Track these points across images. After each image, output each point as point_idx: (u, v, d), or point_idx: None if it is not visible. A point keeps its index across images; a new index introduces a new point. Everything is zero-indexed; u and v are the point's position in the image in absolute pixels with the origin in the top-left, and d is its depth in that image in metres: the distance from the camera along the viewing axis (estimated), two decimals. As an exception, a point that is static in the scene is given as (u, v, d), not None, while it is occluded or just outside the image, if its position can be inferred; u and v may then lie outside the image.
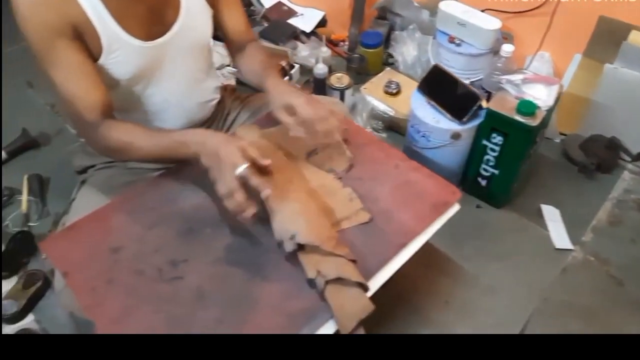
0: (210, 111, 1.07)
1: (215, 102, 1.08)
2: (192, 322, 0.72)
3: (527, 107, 1.11)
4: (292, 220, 0.78)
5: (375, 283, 0.78)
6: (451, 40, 1.47)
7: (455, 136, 1.20)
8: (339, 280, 0.73)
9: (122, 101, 0.93)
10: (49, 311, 1.14)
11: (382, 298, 0.76)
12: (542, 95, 1.15)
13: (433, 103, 1.23)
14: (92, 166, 1.02)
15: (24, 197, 1.41)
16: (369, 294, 0.75)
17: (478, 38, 1.43)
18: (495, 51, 1.45)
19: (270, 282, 0.77)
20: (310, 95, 0.95)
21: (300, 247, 0.77)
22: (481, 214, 1.35)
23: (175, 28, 0.91)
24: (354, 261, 0.77)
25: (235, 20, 1.03)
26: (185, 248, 0.81)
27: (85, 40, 0.82)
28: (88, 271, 0.78)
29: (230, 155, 0.76)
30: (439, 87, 1.23)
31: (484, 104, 1.20)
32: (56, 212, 1.39)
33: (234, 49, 1.07)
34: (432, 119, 1.21)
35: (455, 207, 0.91)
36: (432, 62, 1.58)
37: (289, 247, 0.76)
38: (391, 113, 1.56)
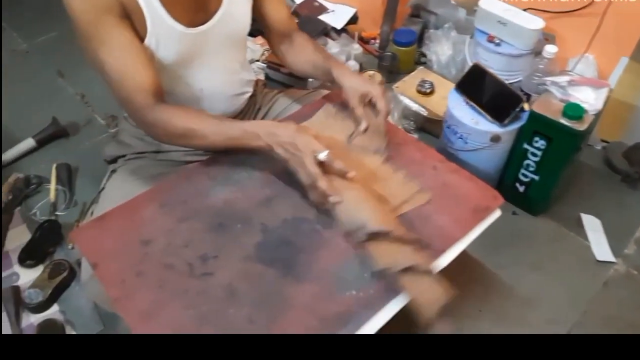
0: (242, 105, 1.06)
1: (247, 95, 1.07)
2: (222, 321, 0.70)
3: (574, 111, 1.07)
4: (357, 209, 0.77)
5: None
6: (490, 39, 1.43)
7: (495, 139, 1.16)
8: (411, 268, 0.72)
9: None
10: (74, 302, 1.14)
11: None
12: (589, 99, 1.10)
13: (472, 103, 1.19)
14: (123, 156, 1.01)
15: (52, 185, 1.42)
16: (408, 298, 0.73)
17: (519, 38, 1.38)
18: (536, 52, 1.40)
19: (303, 283, 0.74)
20: (382, 85, 0.95)
21: (370, 236, 0.75)
22: (517, 221, 1.30)
23: (217, 16, 0.90)
24: (422, 246, 0.76)
25: (278, 10, 1.02)
26: (215, 243, 0.79)
27: (132, 21, 0.81)
28: (117, 263, 0.76)
29: (309, 144, 0.77)
30: (479, 87, 1.19)
31: (525, 106, 1.15)
32: (84, 201, 1.40)
33: (277, 39, 1.06)
34: (471, 120, 1.17)
35: (497, 213, 0.88)
36: (469, 62, 1.54)
37: (359, 237, 0.75)
38: (424, 113, 1.52)
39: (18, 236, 1.29)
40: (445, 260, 0.79)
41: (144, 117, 0.83)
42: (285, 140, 0.79)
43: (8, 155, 1.53)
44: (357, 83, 0.92)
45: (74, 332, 1.08)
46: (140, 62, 0.82)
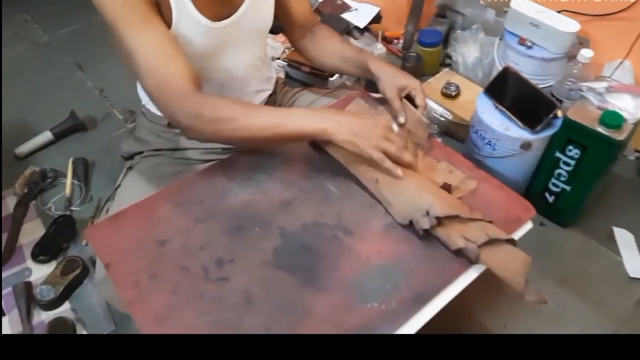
0: (262, 102, 1.04)
1: (268, 93, 1.05)
2: (237, 329, 0.67)
3: (612, 119, 1.01)
4: (419, 196, 0.76)
5: (439, 302, 0.71)
6: (522, 42, 1.38)
7: (525, 146, 1.11)
8: (488, 242, 0.73)
9: None
10: (86, 300, 1.12)
11: (437, 314, 0.70)
12: (628, 107, 1.05)
13: (502, 108, 1.14)
14: (140, 153, 1.00)
15: (68, 180, 1.42)
16: (432, 313, 0.69)
17: (553, 41, 1.33)
18: (570, 56, 1.35)
19: (322, 292, 0.71)
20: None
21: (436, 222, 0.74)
22: (545, 233, 1.25)
23: (241, 10, 0.88)
24: (490, 222, 0.77)
25: (301, 3, 1.00)
26: (232, 247, 0.77)
27: (160, 10, 0.79)
28: (132, 263, 0.74)
29: (380, 121, 0.80)
30: (510, 91, 1.14)
31: (558, 112, 1.10)
32: (99, 197, 1.39)
33: (299, 33, 1.04)
34: (501, 126, 1.13)
35: (528, 226, 0.83)
36: (498, 65, 1.49)
37: (426, 223, 0.73)
38: (449, 117, 1.48)
39: (32, 230, 1.28)
40: (473, 273, 0.76)
41: (186, 104, 0.76)
42: (350, 125, 0.76)
43: (25, 147, 1.53)
44: (396, 76, 0.91)
45: (84, 332, 1.06)
46: (176, 49, 0.78)
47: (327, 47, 1.01)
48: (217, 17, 0.85)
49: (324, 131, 0.76)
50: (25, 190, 1.37)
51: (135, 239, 0.77)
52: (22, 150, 1.52)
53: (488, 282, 1.09)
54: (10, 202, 1.35)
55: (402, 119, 0.90)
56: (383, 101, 0.95)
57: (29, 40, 2.08)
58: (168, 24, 0.81)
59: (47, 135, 1.56)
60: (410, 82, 0.91)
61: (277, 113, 0.80)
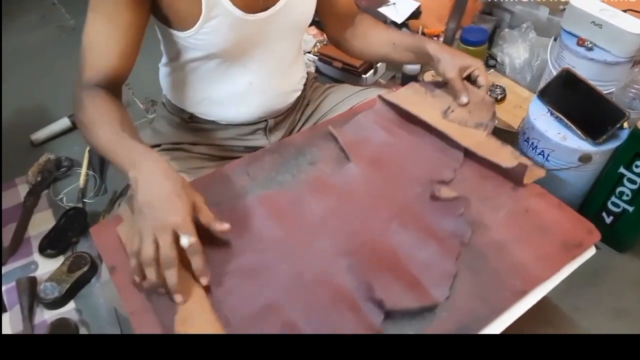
0: (292, 102, 0.97)
1: (298, 93, 0.98)
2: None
3: (691, 133, 0.90)
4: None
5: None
6: (581, 43, 1.27)
7: (585, 159, 1.01)
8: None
9: (200, 78, 0.86)
10: (91, 301, 1.07)
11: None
12: None
13: (559, 115, 1.04)
14: (157, 145, 0.94)
15: (83, 170, 1.38)
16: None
17: (617, 43, 1.21)
18: (635, 60, 1.23)
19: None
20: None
21: None
22: (600, 257, 1.11)
23: (280, 3, 0.81)
24: None
25: None
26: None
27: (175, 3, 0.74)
28: (138, 270, 0.67)
29: (174, 214, 0.61)
30: (569, 96, 1.04)
31: (625, 123, 0.99)
32: (114, 190, 1.34)
33: (340, 25, 0.98)
34: (557, 135, 1.02)
35: (591, 252, 0.74)
36: (551, 67, 1.38)
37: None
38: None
39: (42, 222, 1.24)
40: (525, 305, 0.67)
41: (77, 91, 0.74)
42: (145, 192, 0.62)
43: (41, 134, 1.50)
44: (457, 56, 0.89)
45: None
46: (117, 43, 0.73)
47: (374, 37, 0.98)
48: (252, 9, 0.78)
49: (132, 187, 0.64)
50: (39, 179, 1.33)
51: (144, 242, 0.71)
52: (39, 137, 1.49)
53: (532, 310, 0.99)
54: (21, 190, 1.32)
55: (464, 99, 0.87)
56: (438, 85, 0.92)
57: (55, 23, 2.06)
58: (194, 17, 0.75)
59: (65, 122, 1.52)
60: (473, 62, 0.89)
61: (113, 143, 0.68)
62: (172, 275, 0.60)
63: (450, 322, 0.63)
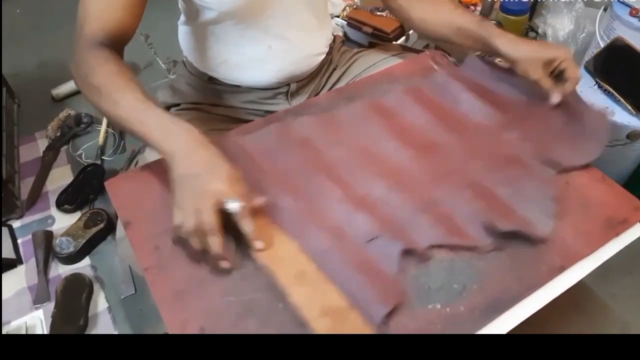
0: (315, 66, 0.93)
1: (322, 57, 0.93)
2: (268, 316, 0.58)
3: None
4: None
5: (519, 314, 0.59)
6: (634, 13, 1.18)
7: (634, 136, 0.95)
8: None
9: (217, 40, 0.83)
10: (107, 258, 1.07)
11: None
12: None
13: (607, 88, 0.97)
14: (177, 105, 0.93)
15: (103, 127, 1.38)
16: (509, 326, 0.58)
17: (676, 13, 1.13)
18: (695, 34, 1.15)
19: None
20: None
21: None
22: (640, 243, 1.09)
23: None
24: None
25: None
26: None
27: None
28: (154, 225, 0.66)
29: (217, 181, 0.60)
30: (619, 68, 0.98)
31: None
32: (133, 148, 1.34)
33: None
34: (605, 109, 0.96)
35: (637, 230, 0.69)
36: (599, 40, 1.30)
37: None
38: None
39: (60, 177, 1.25)
40: (564, 282, 0.63)
41: (79, 50, 0.69)
42: (186, 169, 0.60)
43: (63, 89, 1.50)
44: (537, 50, 0.76)
45: (102, 292, 1.01)
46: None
47: (436, 12, 0.86)
48: None
49: (168, 161, 0.63)
50: (58, 134, 1.33)
51: (162, 198, 0.69)
52: (60, 92, 1.49)
53: (565, 295, 0.95)
54: (41, 144, 1.32)
55: (556, 98, 0.76)
56: (500, 68, 0.83)
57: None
58: None
59: (86, 79, 1.51)
60: (558, 53, 0.75)
61: (140, 112, 0.65)
62: (215, 243, 0.58)
63: (480, 295, 0.60)
